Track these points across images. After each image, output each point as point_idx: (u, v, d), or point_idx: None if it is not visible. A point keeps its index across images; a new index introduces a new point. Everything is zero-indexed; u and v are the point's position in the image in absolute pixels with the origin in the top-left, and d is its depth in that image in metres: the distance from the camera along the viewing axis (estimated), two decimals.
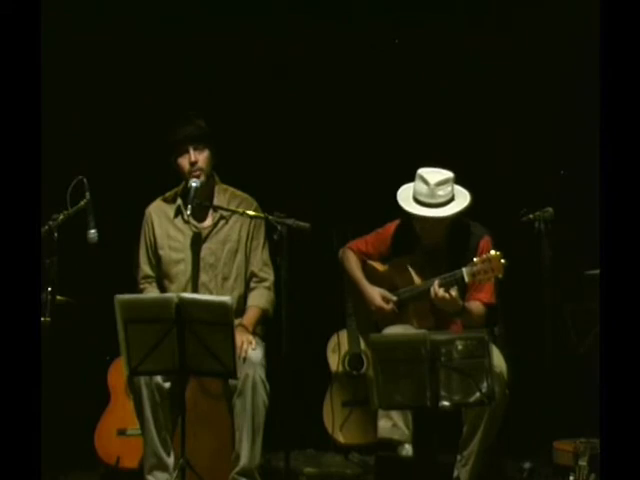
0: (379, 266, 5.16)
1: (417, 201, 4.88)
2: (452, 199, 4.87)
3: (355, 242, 5.24)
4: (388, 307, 5.04)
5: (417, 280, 4.99)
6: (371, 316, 5.12)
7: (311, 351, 5.73)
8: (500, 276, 4.70)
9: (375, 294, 5.08)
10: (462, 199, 4.89)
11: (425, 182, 4.85)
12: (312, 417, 5.67)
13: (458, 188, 4.92)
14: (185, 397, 4.58)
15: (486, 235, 4.92)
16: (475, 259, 4.74)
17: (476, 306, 4.86)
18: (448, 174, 4.89)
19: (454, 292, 4.76)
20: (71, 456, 5.30)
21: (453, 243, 4.94)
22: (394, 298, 5.04)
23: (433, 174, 4.88)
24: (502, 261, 4.66)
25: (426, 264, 4.98)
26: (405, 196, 4.93)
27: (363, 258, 5.19)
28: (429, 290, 4.81)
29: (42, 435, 3.64)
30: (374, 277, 5.14)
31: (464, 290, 4.86)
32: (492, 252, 4.70)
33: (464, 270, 4.75)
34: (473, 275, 4.73)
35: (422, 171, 4.90)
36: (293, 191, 5.86)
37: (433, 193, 4.84)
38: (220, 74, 6.04)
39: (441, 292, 4.74)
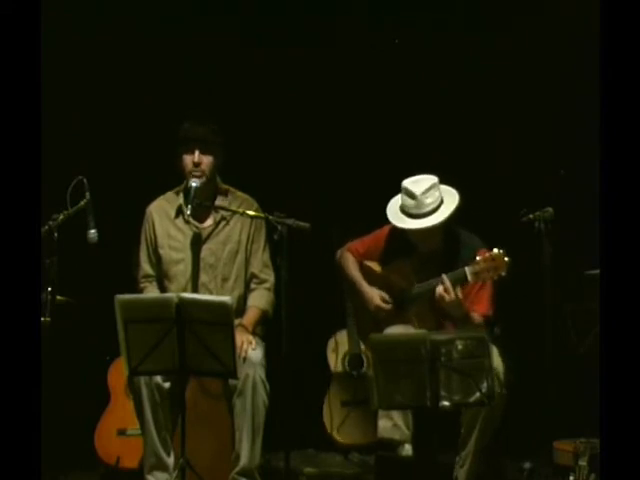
0: (376, 267, 5.14)
1: (406, 214, 4.85)
2: (441, 203, 4.84)
3: (353, 243, 5.21)
4: (387, 307, 5.04)
5: (414, 283, 4.95)
6: (372, 316, 5.10)
7: (311, 351, 5.73)
8: (504, 274, 4.67)
9: (374, 294, 5.07)
10: (451, 200, 4.86)
11: (411, 194, 4.82)
12: (312, 417, 5.67)
13: (445, 188, 4.89)
14: (185, 397, 4.58)
15: (483, 248, 4.85)
16: (478, 257, 4.72)
17: (476, 317, 4.84)
18: (432, 179, 4.86)
19: (459, 293, 4.75)
20: (71, 456, 5.29)
21: (450, 251, 4.90)
22: (390, 301, 5.02)
23: (417, 183, 4.84)
24: (506, 259, 4.65)
25: (423, 267, 4.94)
26: (394, 210, 4.91)
27: (360, 259, 5.17)
28: (430, 290, 4.80)
29: (42, 435, 3.64)
30: (371, 278, 5.12)
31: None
32: (495, 250, 4.67)
33: (467, 269, 4.72)
34: (476, 274, 4.70)
35: (406, 183, 4.87)
36: (293, 191, 5.85)
37: (420, 203, 4.80)
38: (220, 74, 6.04)
39: (450, 288, 4.68)
